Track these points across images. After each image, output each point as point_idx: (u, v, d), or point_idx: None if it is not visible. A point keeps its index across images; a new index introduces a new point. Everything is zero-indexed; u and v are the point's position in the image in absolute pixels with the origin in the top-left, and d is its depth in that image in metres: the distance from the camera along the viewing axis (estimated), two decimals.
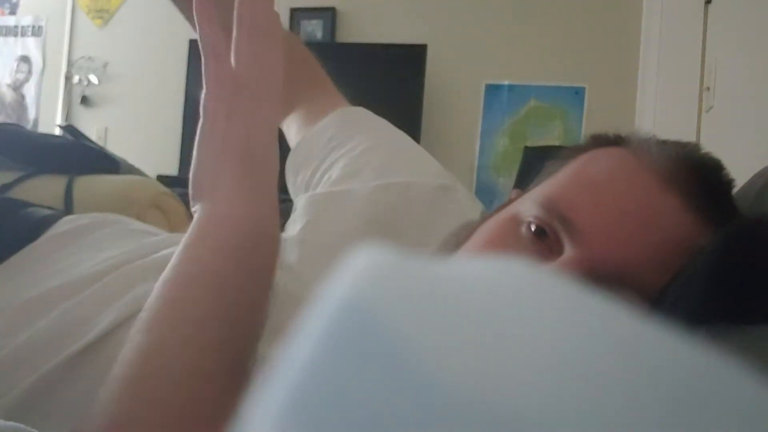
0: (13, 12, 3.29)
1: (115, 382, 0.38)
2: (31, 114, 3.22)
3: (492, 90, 2.57)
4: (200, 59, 0.47)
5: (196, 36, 0.47)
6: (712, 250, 0.38)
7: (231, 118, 0.46)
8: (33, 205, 0.72)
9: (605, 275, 0.42)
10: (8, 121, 3.12)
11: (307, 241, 0.60)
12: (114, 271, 0.55)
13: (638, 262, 0.42)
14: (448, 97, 2.59)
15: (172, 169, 2.72)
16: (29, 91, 3.23)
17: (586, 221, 0.43)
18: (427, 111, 2.53)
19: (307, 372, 0.12)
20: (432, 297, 0.14)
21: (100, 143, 2.35)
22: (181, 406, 0.37)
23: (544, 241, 0.45)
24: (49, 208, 0.74)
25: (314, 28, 2.76)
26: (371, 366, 0.12)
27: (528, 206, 0.47)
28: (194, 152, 0.47)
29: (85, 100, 3.08)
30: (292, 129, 0.74)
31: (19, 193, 1.02)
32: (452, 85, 2.59)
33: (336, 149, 0.69)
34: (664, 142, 0.49)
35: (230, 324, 0.41)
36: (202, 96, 0.47)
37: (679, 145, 0.49)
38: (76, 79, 3.08)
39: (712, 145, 0.51)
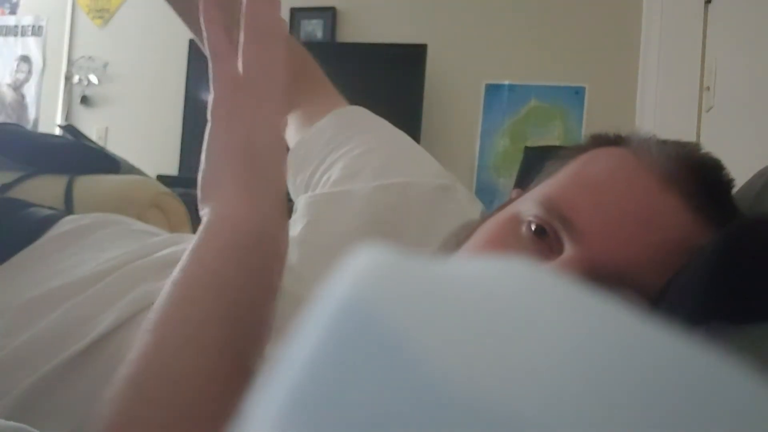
0: (13, 12, 3.29)
1: (119, 381, 0.38)
2: (31, 114, 3.22)
3: (492, 90, 2.57)
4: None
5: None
6: (712, 250, 0.38)
7: (231, 118, 0.47)
8: (34, 205, 0.72)
9: (605, 275, 0.42)
10: (8, 121, 3.12)
11: (307, 241, 0.60)
12: (115, 271, 0.55)
13: (638, 262, 0.42)
14: (448, 97, 2.59)
15: (172, 169, 2.72)
16: (29, 90, 3.23)
17: (586, 221, 0.43)
18: (427, 111, 2.53)
19: (307, 372, 0.12)
20: (432, 297, 0.14)
21: (101, 143, 2.36)
22: (182, 406, 0.37)
23: (544, 241, 0.45)
24: (49, 208, 0.74)
25: (314, 28, 2.75)
26: (371, 366, 0.12)
27: (528, 206, 0.47)
28: (202, 155, 0.47)
29: (85, 100, 3.08)
30: (291, 129, 0.74)
31: (19, 193, 1.02)
32: (452, 85, 2.59)
33: (335, 150, 0.69)
34: (664, 142, 0.49)
35: (231, 324, 0.41)
36: (210, 99, 0.47)
37: (679, 145, 0.49)
38: (76, 79, 3.08)
39: (712, 145, 0.51)
